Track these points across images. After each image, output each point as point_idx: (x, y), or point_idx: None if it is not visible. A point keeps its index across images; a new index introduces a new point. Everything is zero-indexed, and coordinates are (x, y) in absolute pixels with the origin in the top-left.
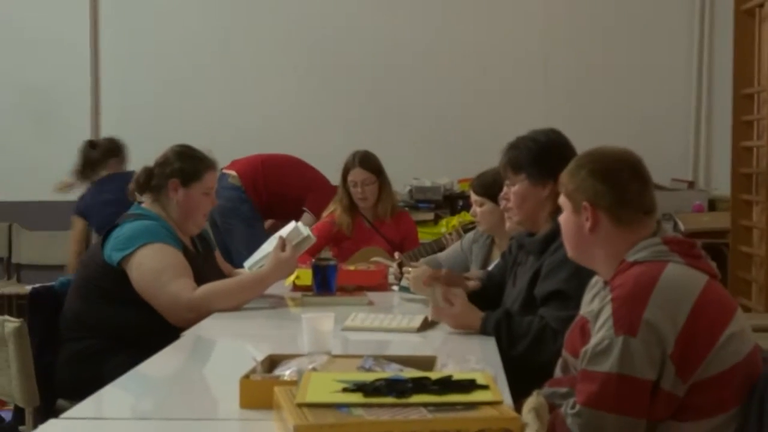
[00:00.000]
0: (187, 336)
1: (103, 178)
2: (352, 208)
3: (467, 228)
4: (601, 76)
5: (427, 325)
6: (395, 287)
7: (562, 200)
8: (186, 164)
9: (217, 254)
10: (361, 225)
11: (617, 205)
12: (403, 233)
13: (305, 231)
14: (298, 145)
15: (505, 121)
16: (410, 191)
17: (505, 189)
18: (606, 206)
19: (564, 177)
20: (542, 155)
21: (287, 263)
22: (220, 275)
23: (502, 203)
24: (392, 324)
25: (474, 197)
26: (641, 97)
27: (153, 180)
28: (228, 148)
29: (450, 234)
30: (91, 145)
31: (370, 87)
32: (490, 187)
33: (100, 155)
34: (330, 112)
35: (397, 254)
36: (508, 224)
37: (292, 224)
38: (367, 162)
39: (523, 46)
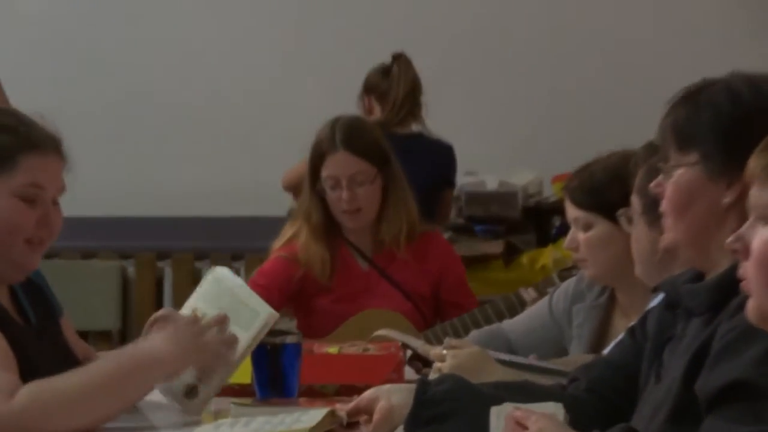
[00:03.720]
0: None
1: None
2: (330, 230)
3: (567, 274)
4: None
5: (333, 424)
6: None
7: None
8: None
9: (66, 322)
10: (349, 264)
11: None
12: (436, 274)
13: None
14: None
15: (622, 76)
16: (458, 200)
17: (634, 181)
18: None
19: None
20: (738, 125)
21: (195, 341)
22: (69, 363)
23: (633, 210)
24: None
25: (572, 212)
26: None
27: None
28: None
29: (541, 288)
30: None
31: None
32: (602, 190)
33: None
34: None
35: (421, 344)
36: (638, 269)
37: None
38: (359, 140)
39: None
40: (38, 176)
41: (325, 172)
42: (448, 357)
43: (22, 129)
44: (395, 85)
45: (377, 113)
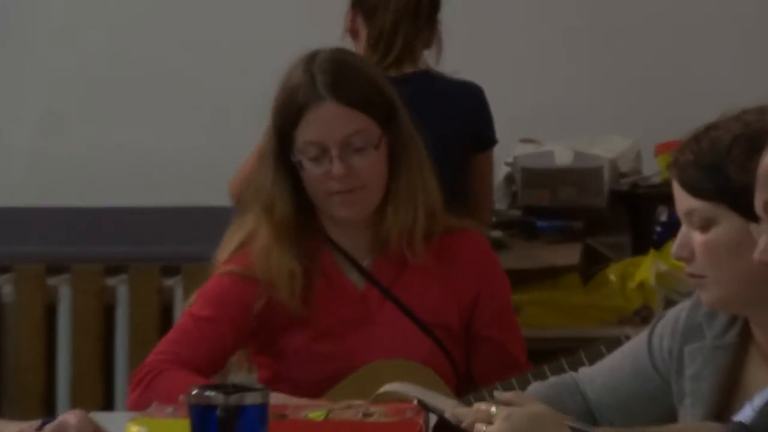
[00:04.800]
0: None
1: None
2: (303, 228)
3: (676, 298)
4: None
5: None
6: None
7: None
8: None
9: None
10: (335, 279)
11: None
12: (469, 293)
13: None
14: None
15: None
16: (508, 179)
17: None
18: None
19: None
20: None
21: None
22: None
23: None
24: None
25: (685, 201)
26: None
27: None
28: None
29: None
30: None
31: None
32: (729, 168)
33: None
34: None
35: (452, 404)
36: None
37: None
38: (353, 83)
39: None
40: None
41: (303, 137)
42: (497, 418)
43: None
44: None
45: (363, 39)
